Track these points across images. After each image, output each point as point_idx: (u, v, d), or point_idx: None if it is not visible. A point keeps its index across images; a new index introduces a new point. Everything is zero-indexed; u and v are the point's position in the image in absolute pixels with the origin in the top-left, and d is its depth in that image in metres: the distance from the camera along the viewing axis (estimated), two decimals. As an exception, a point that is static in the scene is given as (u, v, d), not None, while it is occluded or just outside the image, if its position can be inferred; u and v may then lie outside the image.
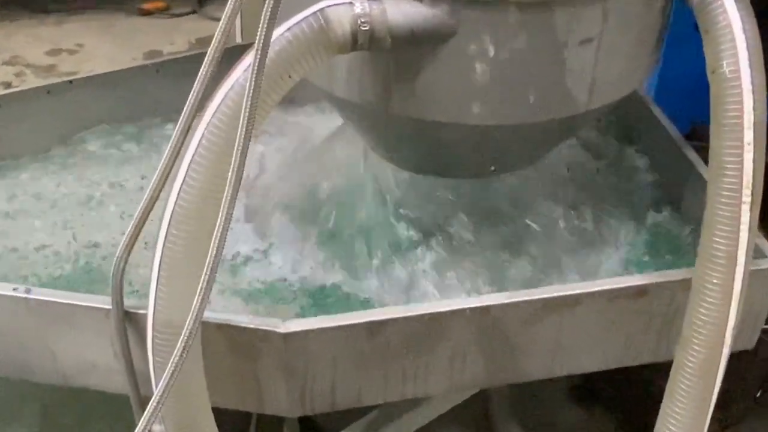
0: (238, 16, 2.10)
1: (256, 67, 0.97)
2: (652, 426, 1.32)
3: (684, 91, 2.26)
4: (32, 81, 3.62)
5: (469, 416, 2.28)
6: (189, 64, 1.87)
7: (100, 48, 4.02)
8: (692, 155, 1.60)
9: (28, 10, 4.28)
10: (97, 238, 1.61)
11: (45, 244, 1.59)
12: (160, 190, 1.14)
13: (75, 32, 4.15)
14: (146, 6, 4.37)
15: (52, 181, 1.76)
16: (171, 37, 4.11)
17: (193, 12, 4.34)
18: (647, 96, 1.84)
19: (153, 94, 1.89)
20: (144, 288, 1.43)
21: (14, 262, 1.54)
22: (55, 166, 1.80)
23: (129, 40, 4.07)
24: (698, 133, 2.20)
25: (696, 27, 1.73)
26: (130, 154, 1.84)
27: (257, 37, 0.97)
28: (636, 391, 2.27)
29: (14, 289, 1.26)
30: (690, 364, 1.20)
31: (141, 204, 1.15)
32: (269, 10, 0.95)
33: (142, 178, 1.76)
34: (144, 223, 1.16)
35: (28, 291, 1.25)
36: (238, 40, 2.23)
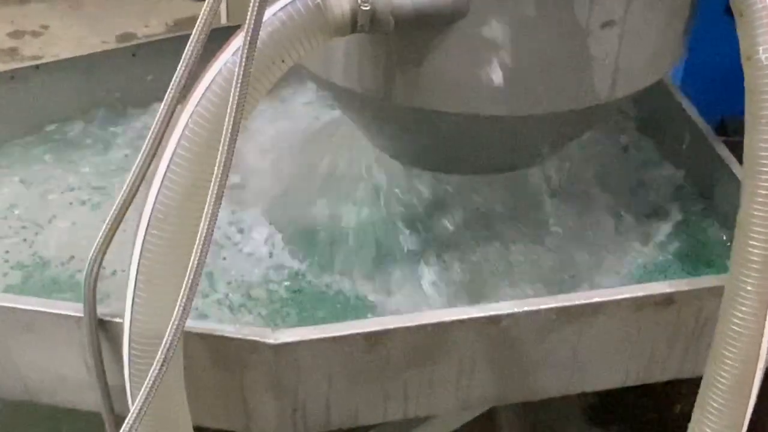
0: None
1: (245, 51, 0.97)
2: (675, 450, 1.32)
3: (713, 81, 2.26)
4: (-8, 66, 3.62)
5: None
6: (169, 47, 1.89)
7: (67, 30, 4.02)
8: (723, 151, 1.60)
9: (-13, -12, 4.28)
10: (66, 239, 1.60)
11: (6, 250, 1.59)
12: (138, 187, 1.14)
13: (39, 13, 4.14)
14: (118, -17, 4.37)
15: (15, 176, 1.75)
16: (145, 19, 4.10)
17: (170, -11, 4.35)
18: (673, 85, 1.84)
19: (129, 81, 1.89)
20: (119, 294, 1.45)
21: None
22: (17, 161, 1.79)
23: (99, 22, 4.06)
24: (729, 127, 2.21)
25: (727, 10, 1.73)
26: (104, 146, 1.84)
27: (247, 17, 0.96)
28: (658, 411, 2.28)
29: (-30, 295, 1.25)
30: (722, 381, 1.20)
31: (116, 202, 1.14)
32: (261, -14, 0.94)
33: (117, 172, 1.76)
34: (120, 222, 1.16)
35: (-12, 297, 1.25)
36: (224, 21, 2.23)
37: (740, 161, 1.21)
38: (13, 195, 1.72)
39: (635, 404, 2.36)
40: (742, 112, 1.31)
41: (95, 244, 1.17)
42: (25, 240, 1.62)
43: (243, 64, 0.97)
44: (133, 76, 1.91)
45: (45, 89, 1.81)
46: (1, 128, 1.80)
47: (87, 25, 4.03)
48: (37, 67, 1.79)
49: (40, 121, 1.84)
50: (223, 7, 2.13)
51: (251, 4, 0.96)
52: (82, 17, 4.11)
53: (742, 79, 1.29)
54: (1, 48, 3.83)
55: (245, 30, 0.96)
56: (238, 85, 0.98)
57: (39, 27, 4.02)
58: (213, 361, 1.24)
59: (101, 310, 1.22)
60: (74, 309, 1.23)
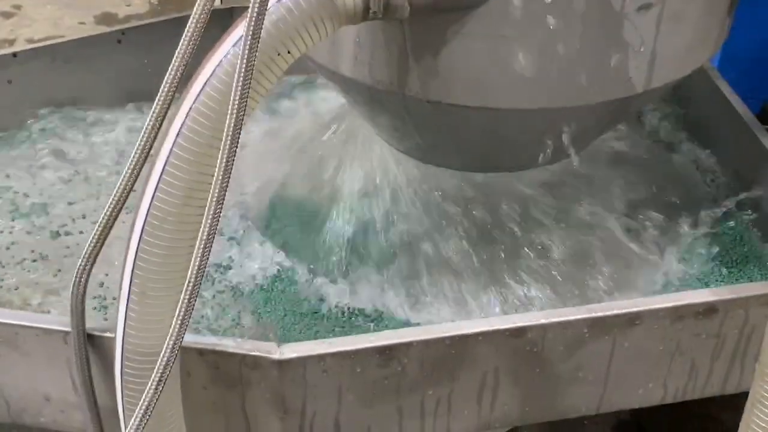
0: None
1: (248, 42, 0.98)
2: (715, 472, 1.34)
3: (753, 64, 2.28)
4: (-40, 51, 3.63)
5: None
6: (158, 32, 1.89)
7: (41, 10, 4.02)
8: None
9: (-46, -36, 4.29)
10: (47, 249, 1.63)
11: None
12: (130, 190, 1.15)
13: (11, -10, 4.16)
14: (98, -42, 4.38)
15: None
16: (127, -4, 4.11)
17: (154, -34, 4.36)
18: (712, 69, 1.85)
19: (114, 70, 1.90)
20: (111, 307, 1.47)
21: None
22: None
23: (76, 1, 4.07)
24: (775, 115, 2.22)
25: (773, -12, 1.75)
26: (86, 144, 1.86)
27: (250, 5, 0.97)
28: (694, 428, 2.28)
29: (-52, 308, 1.27)
30: (769, 398, 1.21)
31: (105, 208, 1.15)
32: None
33: (104, 175, 1.78)
34: (110, 230, 1.17)
35: (-36, 310, 1.26)
36: (217, 2, 2.23)
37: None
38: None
39: (672, 422, 2.37)
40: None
41: (83, 253, 1.18)
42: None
43: (246, 56, 0.98)
44: (119, 63, 1.92)
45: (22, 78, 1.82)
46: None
47: (63, 5, 4.04)
48: (14, 54, 1.79)
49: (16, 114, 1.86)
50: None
51: (254, -9, 0.97)
52: (58, -4, 4.13)
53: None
54: (-31, 31, 3.84)
55: (248, 19, 0.97)
56: (241, 78, 0.99)
57: (11, 7, 4.02)
58: (213, 378, 1.25)
59: (90, 324, 1.23)
60: (60, 323, 1.25)
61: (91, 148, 1.86)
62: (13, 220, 1.70)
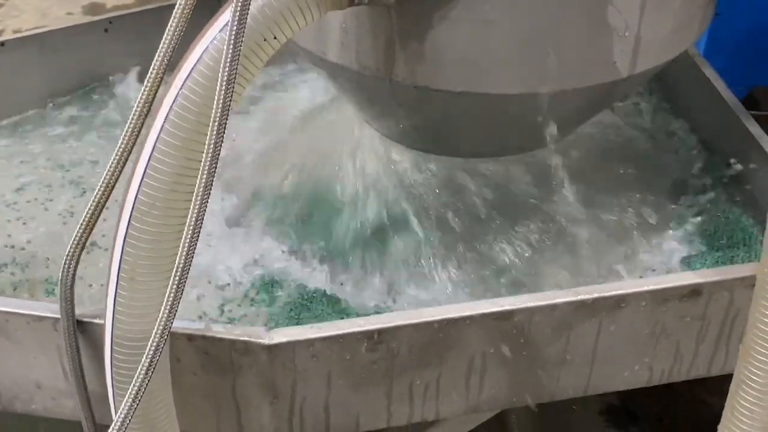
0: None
1: (235, 27, 0.98)
2: (702, 453, 1.35)
3: (739, 49, 2.29)
4: (-54, 42, 3.62)
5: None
6: (144, 21, 1.90)
7: (29, 1, 4.00)
8: (754, 128, 1.63)
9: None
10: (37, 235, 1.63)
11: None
12: (118, 177, 1.15)
13: (-2, -19, 4.14)
14: (85, -52, 4.36)
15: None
16: (116, -14, 4.10)
17: (142, -44, 4.34)
18: (698, 54, 1.85)
19: (102, 58, 1.90)
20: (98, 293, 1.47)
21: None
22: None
23: (64, -10, 4.06)
24: (757, 99, 2.23)
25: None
26: (75, 132, 1.86)
27: (236, -12, 0.97)
28: (682, 412, 2.30)
29: (-64, 295, 1.27)
30: (754, 379, 1.22)
31: (94, 194, 1.16)
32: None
33: (92, 163, 1.78)
34: (98, 216, 1.17)
35: (-46, 297, 1.26)
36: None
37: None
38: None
39: (659, 405, 2.39)
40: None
41: (72, 239, 1.18)
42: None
43: (232, 41, 0.98)
44: (106, 51, 1.92)
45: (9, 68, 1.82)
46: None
47: (51, -5, 4.03)
48: (2, 44, 1.79)
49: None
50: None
51: (240, -26, 0.97)
52: (46, -14, 4.11)
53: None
54: (-47, 21, 3.82)
55: (234, 4, 0.98)
56: (227, 64, 0.99)
57: (-2, -3, 4.01)
58: (202, 364, 1.25)
59: (79, 311, 1.23)
60: (50, 310, 1.25)
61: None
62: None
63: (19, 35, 1.87)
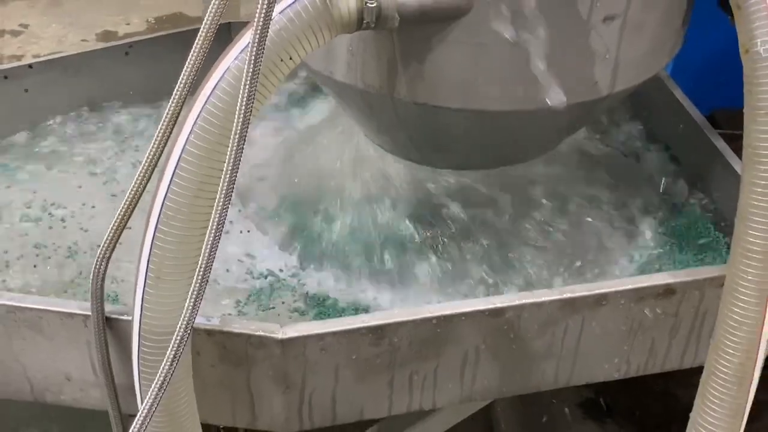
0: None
1: (255, 49, 1.00)
2: (671, 443, 1.35)
3: (702, 74, 2.31)
4: (-28, 66, 3.62)
5: (473, 436, 2.32)
6: (161, 45, 1.91)
7: (47, 29, 4.02)
8: (719, 142, 1.66)
9: (-35, -13, 4.28)
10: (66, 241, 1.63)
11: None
12: (146, 184, 1.16)
13: (18, 11, 4.15)
14: (99, -19, 4.38)
15: (6, 179, 1.78)
16: (126, 16, 4.11)
17: (151, -14, 4.35)
18: (666, 76, 1.88)
19: (121, 80, 1.92)
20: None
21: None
22: (15, 160, 1.82)
23: (79, 20, 4.07)
24: (718, 120, 2.26)
25: (719, 4, 1.77)
26: (97, 146, 1.86)
27: (256, 15, 0.99)
28: (653, 404, 2.31)
29: (-23, 295, 1.27)
30: (723, 370, 1.24)
31: (124, 199, 1.17)
32: (271, -17, 0.97)
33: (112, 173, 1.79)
34: (127, 220, 1.18)
35: (-6, 296, 1.27)
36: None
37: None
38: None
39: (633, 398, 2.40)
40: (731, 105, 1.35)
41: (103, 242, 1.19)
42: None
43: (252, 61, 1.00)
44: (125, 73, 1.93)
45: (39, 87, 1.83)
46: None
47: (67, 24, 4.04)
48: (30, 66, 1.80)
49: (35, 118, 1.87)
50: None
51: (260, 2, 0.99)
52: (62, 15, 4.12)
53: (732, 72, 1.34)
54: (-20, 48, 3.84)
55: (254, 27, 0.99)
56: (248, 81, 1.00)
57: (18, 26, 4.02)
58: (220, 356, 1.26)
59: (108, 308, 1.24)
60: (81, 307, 1.26)
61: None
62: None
63: (64, 54, 1.88)
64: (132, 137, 1.89)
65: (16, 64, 1.83)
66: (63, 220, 1.69)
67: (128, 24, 4.06)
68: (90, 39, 3.92)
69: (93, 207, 1.72)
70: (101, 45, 1.97)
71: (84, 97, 1.93)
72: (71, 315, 1.27)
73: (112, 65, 1.92)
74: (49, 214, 1.70)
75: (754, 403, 1.28)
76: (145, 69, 1.92)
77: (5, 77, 1.80)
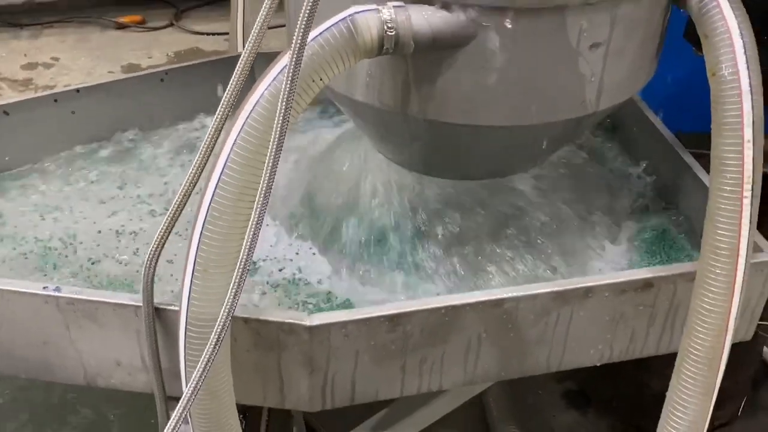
0: (240, 27, 2.20)
1: (291, 70, 1.06)
2: (646, 428, 1.38)
3: (667, 98, 2.37)
4: (9, 95, 3.66)
5: (468, 423, 2.36)
6: (192, 73, 1.97)
7: (76, 62, 4.06)
8: (688, 158, 1.71)
9: (2, 24, 4.32)
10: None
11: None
12: (192, 189, 1.22)
13: (50, 46, 4.19)
14: (122, 19, 4.43)
15: (64, 187, 1.82)
16: (149, 51, 4.16)
17: (170, 25, 4.40)
18: (639, 99, 1.93)
19: (158, 103, 1.97)
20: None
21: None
22: (60, 176, 1.86)
23: (105, 54, 4.12)
24: (683, 142, 2.31)
25: (685, 35, 1.83)
26: (140, 162, 1.92)
27: (293, 42, 1.05)
28: (629, 393, 2.36)
29: (44, 288, 1.31)
30: (695, 352, 1.29)
31: (173, 203, 1.22)
32: (306, 13, 1.03)
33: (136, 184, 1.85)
34: (176, 220, 1.24)
35: (58, 289, 1.31)
36: (240, 49, 2.31)
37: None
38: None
39: (611, 388, 2.45)
40: (695, 129, 1.41)
41: (154, 239, 1.24)
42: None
43: (289, 81, 1.06)
44: (161, 97, 1.99)
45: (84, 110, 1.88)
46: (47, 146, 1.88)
47: (95, 57, 4.09)
48: (77, 90, 1.85)
49: (81, 138, 1.92)
50: (240, 39, 2.21)
51: (296, 31, 1.05)
52: (90, 50, 4.17)
53: (696, 98, 1.40)
54: (17, 79, 3.87)
55: (291, 52, 1.05)
56: (285, 99, 1.06)
57: (50, 59, 4.06)
58: (255, 342, 1.31)
59: (156, 300, 1.29)
60: (132, 299, 1.31)
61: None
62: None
63: (108, 80, 1.94)
64: (168, 153, 1.94)
65: (65, 89, 1.87)
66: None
67: (150, 57, 4.11)
68: (116, 71, 3.96)
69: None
70: (140, 72, 2.00)
71: (125, 119, 1.97)
72: (124, 306, 1.31)
73: (148, 90, 1.97)
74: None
75: (719, 392, 1.32)
76: (178, 93, 1.97)
77: (55, 100, 1.84)
